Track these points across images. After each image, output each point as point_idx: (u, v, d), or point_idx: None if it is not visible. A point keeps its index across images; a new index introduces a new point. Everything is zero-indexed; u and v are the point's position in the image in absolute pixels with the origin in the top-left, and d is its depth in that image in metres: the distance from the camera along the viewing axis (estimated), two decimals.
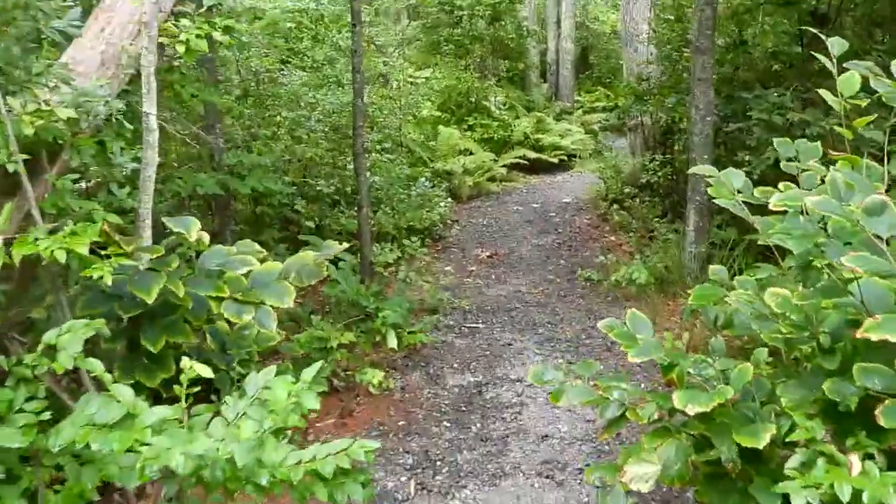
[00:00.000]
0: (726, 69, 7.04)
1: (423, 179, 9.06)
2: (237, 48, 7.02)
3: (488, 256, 8.58)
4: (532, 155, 13.59)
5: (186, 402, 2.22)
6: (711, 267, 3.93)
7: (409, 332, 5.32)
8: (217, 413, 2.26)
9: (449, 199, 10.20)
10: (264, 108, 8.28)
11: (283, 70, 9.17)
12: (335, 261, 6.51)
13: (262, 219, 6.60)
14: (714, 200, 2.92)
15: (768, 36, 7.07)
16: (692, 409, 2.34)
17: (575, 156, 14.57)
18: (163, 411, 2.16)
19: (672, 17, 8.95)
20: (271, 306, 3.68)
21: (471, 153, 12.70)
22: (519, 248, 8.92)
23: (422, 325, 5.63)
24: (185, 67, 5.61)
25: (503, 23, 14.96)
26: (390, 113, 10.19)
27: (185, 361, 2.22)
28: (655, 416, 2.67)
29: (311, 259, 3.79)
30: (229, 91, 8.55)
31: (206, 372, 2.24)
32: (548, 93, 17.25)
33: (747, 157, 6.18)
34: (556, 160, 13.97)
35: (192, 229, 3.46)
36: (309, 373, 2.26)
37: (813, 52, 3.31)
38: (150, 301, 3.23)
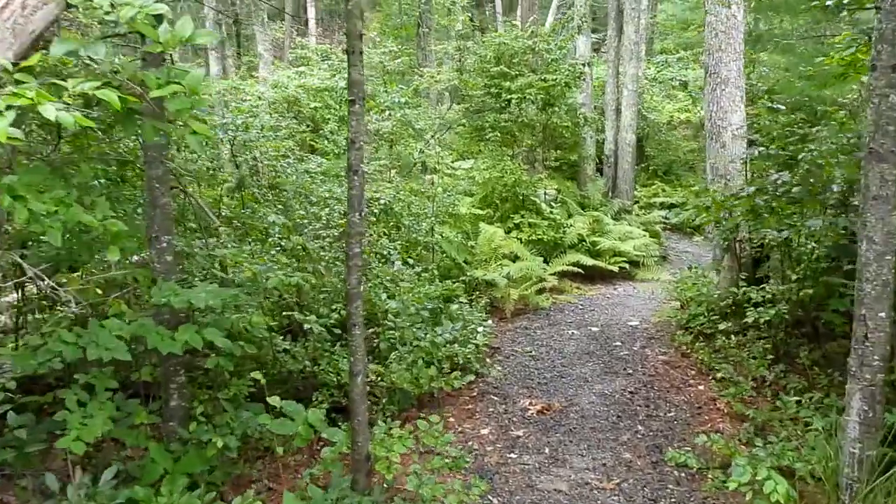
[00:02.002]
0: None
1: (450, 326, 6.71)
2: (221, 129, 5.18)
3: (539, 412, 6.41)
4: (588, 261, 11.49)
5: None
6: None
7: None
8: None
9: (489, 321, 8.06)
10: (260, 205, 6.40)
11: (288, 158, 7.33)
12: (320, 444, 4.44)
13: (219, 374, 4.57)
14: None
15: None
16: None
17: (638, 263, 12.46)
18: None
19: (784, 107, 6.96)
20: None
21: (517, 258, 10.65)
22: (578, 398, 6.74)
23: None
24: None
25: (556, 109, 13.07)
26: (420, 213, 8.24)
27: None
28: None
29: None
30: (218, 182, 6.73)
31: None
32: (604, 188, 15.26)
33: None
34: (615, 268, 11.85)
35: None
36: None
37: None
38: None
